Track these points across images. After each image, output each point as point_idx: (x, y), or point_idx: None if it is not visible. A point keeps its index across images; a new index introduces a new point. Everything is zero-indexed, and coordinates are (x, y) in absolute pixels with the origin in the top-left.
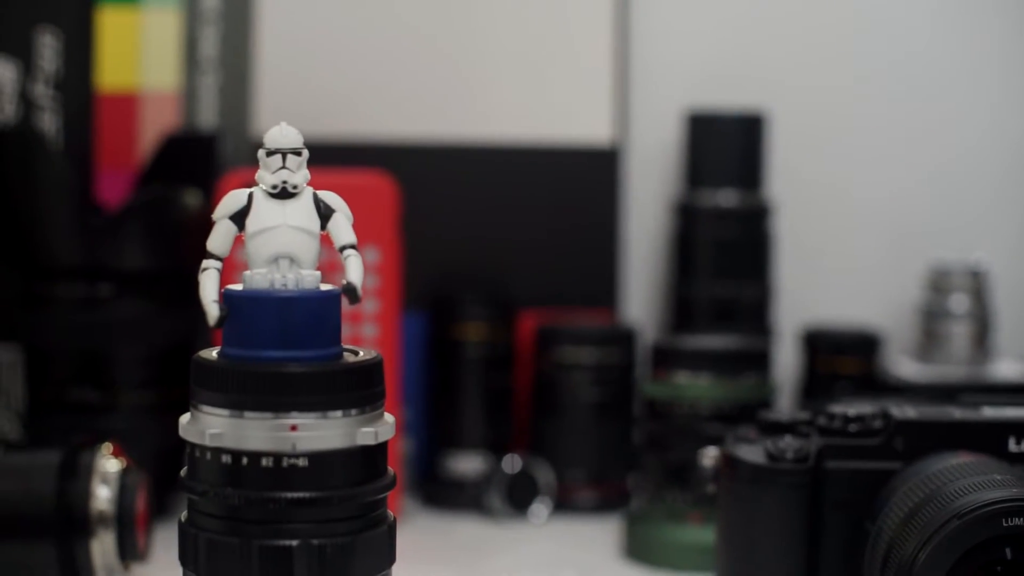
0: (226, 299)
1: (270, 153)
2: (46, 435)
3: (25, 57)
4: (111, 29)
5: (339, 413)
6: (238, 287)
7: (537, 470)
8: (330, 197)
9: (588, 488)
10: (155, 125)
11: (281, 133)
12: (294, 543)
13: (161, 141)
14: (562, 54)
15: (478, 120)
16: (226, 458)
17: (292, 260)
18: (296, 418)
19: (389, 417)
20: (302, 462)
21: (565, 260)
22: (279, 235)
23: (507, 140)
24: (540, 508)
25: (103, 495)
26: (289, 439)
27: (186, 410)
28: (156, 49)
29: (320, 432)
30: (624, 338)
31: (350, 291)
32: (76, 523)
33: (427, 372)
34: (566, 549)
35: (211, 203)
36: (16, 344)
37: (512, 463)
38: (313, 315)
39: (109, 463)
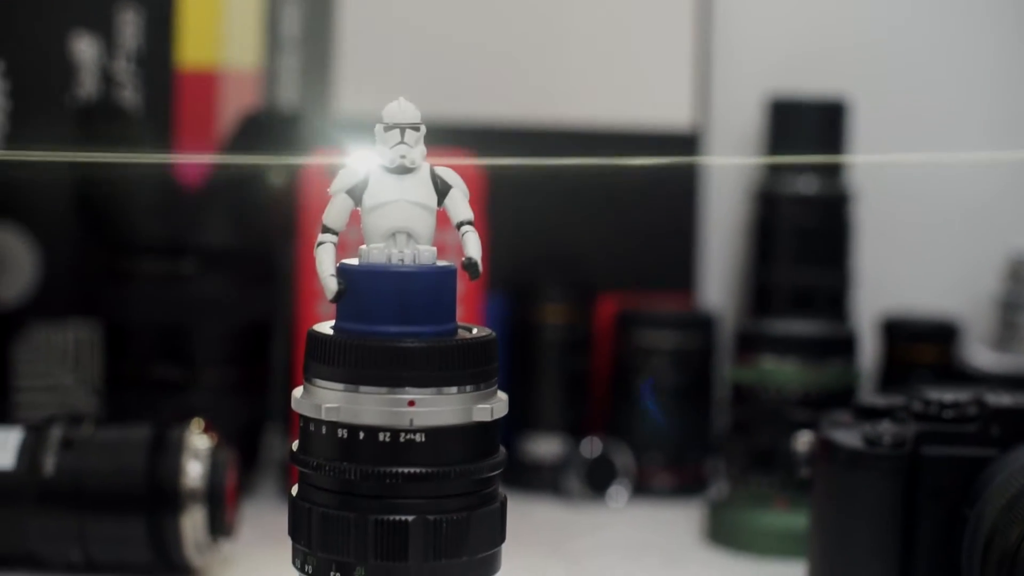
0: (343, 274)
1: (388, 128)
2: (126, 411)
3: (107, 33)
4: (193, 6)
5: (454, 389)
6: (354, 262)
7: (616, 453)
8: (447, 173)
9: (666, 472)
10: (235, 103)
11: (399, 108)
12: (410, 518)
13: (241, 119)
14: (644, 38)
15: (560, 103)
16: (342, 432)
17: (409, 235)
18: (412, 393)
19: (502, 395)
20: (419, 437)
21: (644, 244)
22: (397, 210)
23: (589, 123)
24: (618, 491)
25: (194, 471)
26: (406, 414)
27: (264, 388)
28: (238, 27)
29: (437, 408)
30: (704, 323)
31: (471, 266)
32: (167, 499)
33: (507, 354)
34: (646, 533)
35: (293, 182)
36: (96, 320)
37: (591, 446)
38: (430, 291)
39: (199, 439)
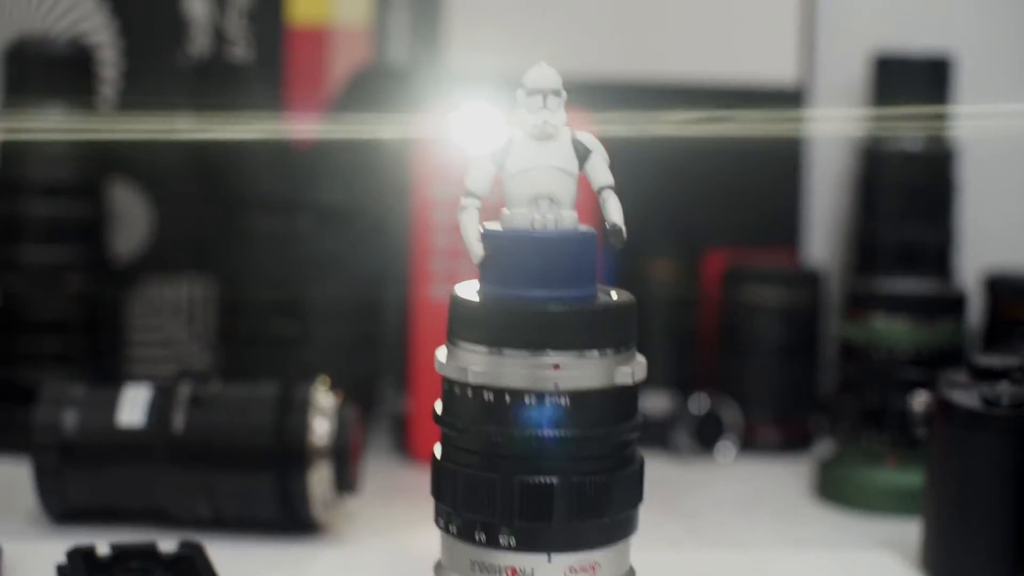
0: (487, 238)
1: (530, 93)
2: (242, 366)
3: None
4: None
5: (596, 353)
6: (497, 226)
7: (723, 409)
8: (587, 138)
9: (773, 427)
10: (346, 59)
11: (542, 74)
12: (554, 480)
13: (352, 75)
14: None
15: (667, 59)
16: (488, 395)
17: (552, 200)
18: (556, 357)
19: (641, 358)
20: (564, 401)
21: (750, 201)
22: (540, 175)
23: (695, 79)
24: (727, 447)
25: (321, 428)
26: (551, 378)
27: (377, 344)
28: None
29: (580, 371)
30: (810, 280)
31: (615, 232)
32: (294, 455)
33: None
34: (756, 489)
35: (406, 140)
36: (210, 276)
37: (699, 402)
38: (573, 255)
39: (325, 397)
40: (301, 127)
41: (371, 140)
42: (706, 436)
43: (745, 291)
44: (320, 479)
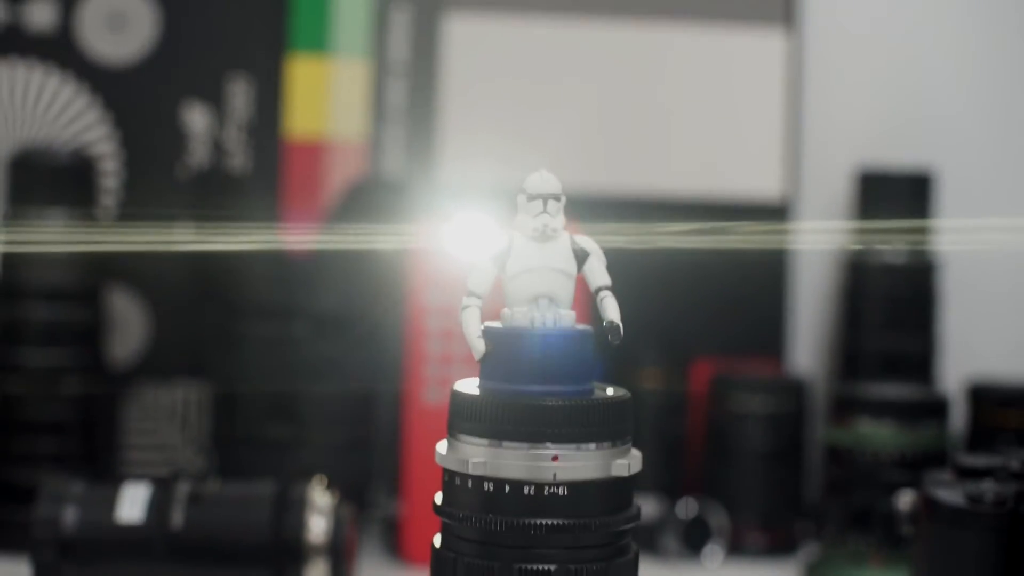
0: (488, 335)
1: (531, 198)
2: (237, 468)
3: (218, 104)
4: (302, 78)
5: (593, 445)
6: (497, 324)
7: (711, 514)
8: (585, 241)
9: (759, 532)
10: (342, 172)
11: (542, 179)
12: (552, 567)
13: (347, 188)
14: (736, 112)
15: (655, 174)
16: (488, 486)
17: (551, 300)
18: (554, 449)
19: (636, 452)
20: (562, 491)
21: (737, 311)
22: (540, 276)
23: (681, 194)
24: (714, 551)
25: (318, 527)
26: (550, 469)
27: (370, 448)
28: (344, 98)
29: (579, 463)
30: (796, 388)
31: (613, 330)
32: (292, 553)
33: None
34: None
35: (401, 250)
36: (203, 381)
37: (687, 507)
38: (571, 352)
39: (322, 496)
40: (297, 237)
41: (367, 249)
42: (694, 540)
43: (732, 398)
44: None
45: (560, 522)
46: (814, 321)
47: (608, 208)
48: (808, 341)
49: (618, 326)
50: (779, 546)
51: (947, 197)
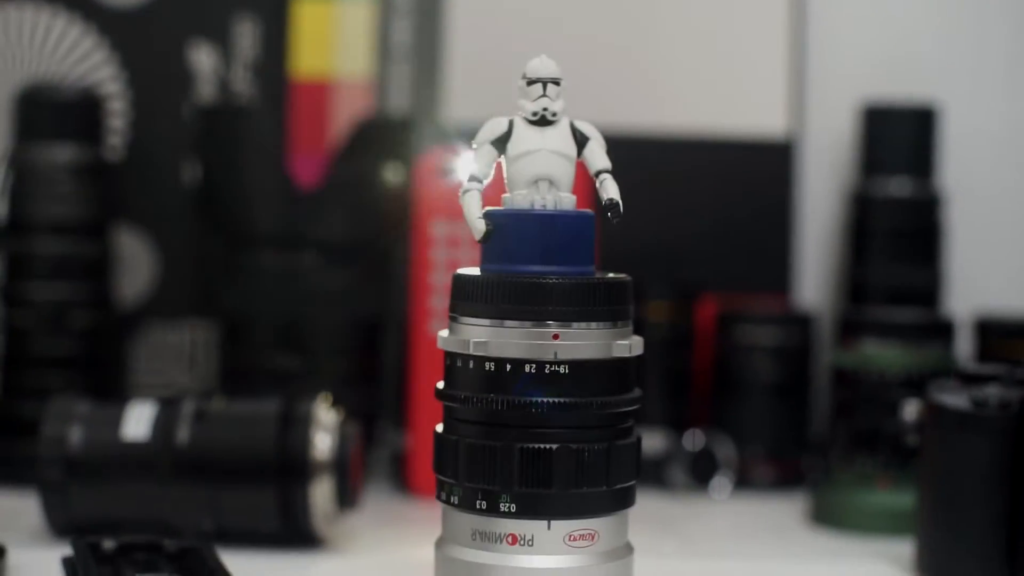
0: (490, 217)
1: (531, 82)
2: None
3: (224, 43)
4: (307, 17)
5: (595, 324)
6: (499, 208)
7: (718, 446)
8: (585, 126)
9: (767, 465)
10: (347, 111)
11: (542, 64)
12: (554, 446)
13: (353, 126)
14: (740, 48)
15: (659, 111)
16: (489, 365)
17: (551, 182)
18: (555, 327)
19: (638, 337)
20: (563, 369)
21: (742, 247)
22: (540, 159)
23: (687, 132)
24: (721, 483)
25: (323, 443)
26: (551, 347)
27: (377, 380)
28: (350, 38)
29: (580, 341)
30: (802, 320)
31: (613, 207)
32: (297, 469)
33: None
34: (751, 519)
35: (407, 183)
36: (212, 320)
37: (694, 439)
38: (572, 233)
39: (327, 413)
40: (304, 170)
41: (374, 182)
42: (701, 473)
43: (739, 331)
44: (322, 493)
45: (562, 400)
46: (820, 256)
47: (614, 146)
48: (815, 276)
49: (617, 203)
50: (787, 479)
51: (951, 130)
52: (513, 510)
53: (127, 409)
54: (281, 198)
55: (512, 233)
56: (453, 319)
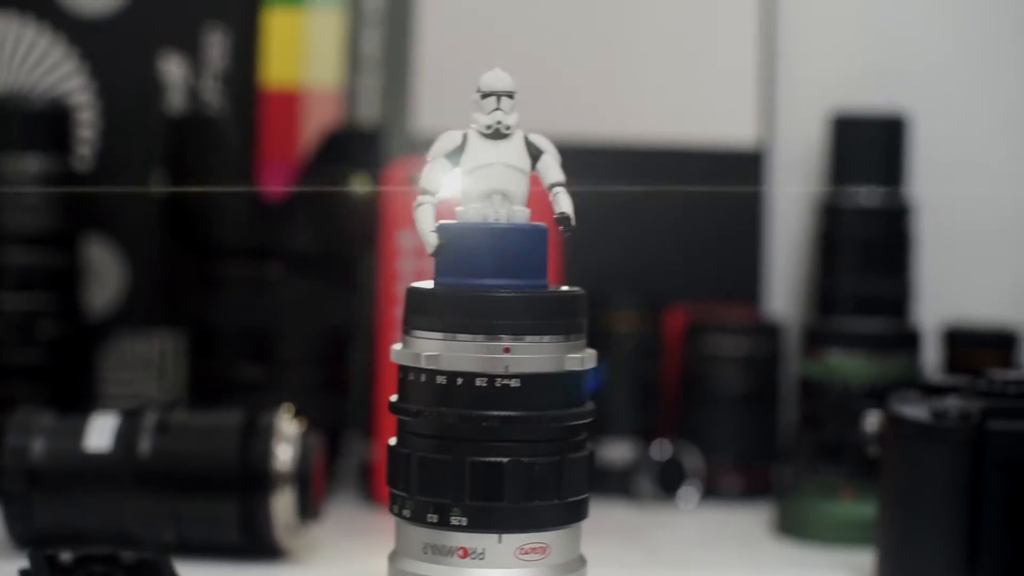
0: (442, 230)
1: (485, 95)
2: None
3: (194, 53)
4: (277, 28)
5: (547, 338)
6: (452, 221)
7: (686, 456)
8: (539, 139)
9: (735, 474)
10: (317, 121)
11: (496, 77)
12: (505, 460)
13: (322, 136)
14: (709, 58)
15: (628, 121)
16: (441, 379)
17: (505, 196)
18: (507, 341)
19: (591, 349)
20: (514, 383)
21: (711, 257)
22: (494, 172)
23: (657, 141)
24: (689, 493)
25: (284, 454)
26: (502, 361)
27: (344, 391)
28: (319, 48)
29: (531, 355)
30: (771, 331)
31: (564, 220)
32: (258, 481)
33: None
34: (717, 529)
35: (374, 194)
36: (180, 330)
37: (661, 449)
38: (524, 247)
39: (289, 424)
40: (272, 180)
41: (340, 192)
42: (668, 482)
43: (706, 341)
44: (283, 504)
45: (513, 414)
46: (789, 266)
47: (582, 155)
48: (784, 286)
49: (569, 216)
50: (755, 488)
51: (920, 141)
52: (464, 523)
53: (90, 420)
54: (249, 208)
55: (465, 246)
56: (407, 332)
